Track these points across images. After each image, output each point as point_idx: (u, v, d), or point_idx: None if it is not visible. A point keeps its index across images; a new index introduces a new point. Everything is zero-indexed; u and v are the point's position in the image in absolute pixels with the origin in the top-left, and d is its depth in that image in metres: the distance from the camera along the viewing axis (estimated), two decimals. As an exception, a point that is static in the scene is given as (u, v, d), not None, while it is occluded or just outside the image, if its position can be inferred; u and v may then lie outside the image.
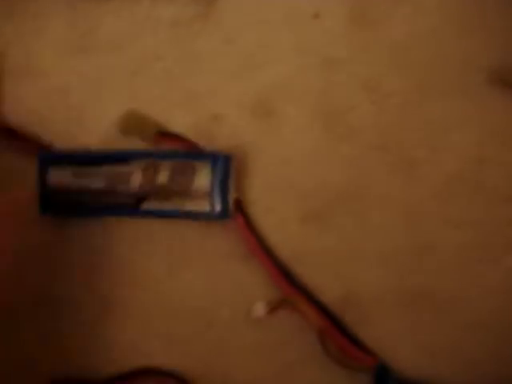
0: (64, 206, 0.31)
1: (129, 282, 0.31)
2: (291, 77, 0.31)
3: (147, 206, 0.30)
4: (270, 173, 0.31)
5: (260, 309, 0.30)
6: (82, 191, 0.31)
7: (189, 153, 0.30)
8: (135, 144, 0.31)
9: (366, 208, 0.31)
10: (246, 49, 0.31)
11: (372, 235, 0.30)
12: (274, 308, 0.30)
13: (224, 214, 0.30)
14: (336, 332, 0.29)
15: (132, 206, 0.30)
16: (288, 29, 0.31)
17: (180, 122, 0.31)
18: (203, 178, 0.29)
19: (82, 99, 0.32)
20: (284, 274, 0.30)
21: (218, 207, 0.29)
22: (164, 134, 0.31)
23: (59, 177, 0.31)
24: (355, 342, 0.30)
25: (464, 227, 0.30)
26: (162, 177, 0.30)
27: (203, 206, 0.29)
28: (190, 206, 0.29)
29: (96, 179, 0.30)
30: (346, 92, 0.31)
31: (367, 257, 0.30)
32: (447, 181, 0.30)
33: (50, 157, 0.31)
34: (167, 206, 0.30)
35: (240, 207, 0.30)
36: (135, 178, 0.30)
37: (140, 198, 0.30)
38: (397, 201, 0.30)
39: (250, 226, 0.30)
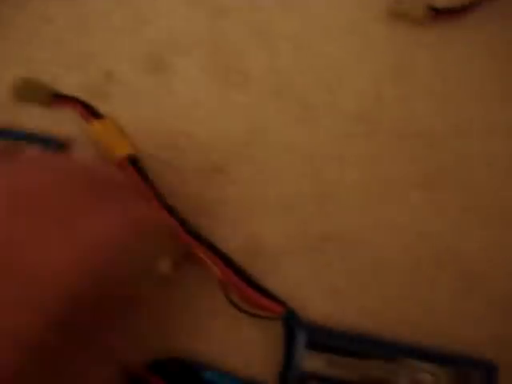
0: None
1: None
2: (181, 29, 0.31)
3: None
4: (166, 127, 0.30)
5: (165, 265, 0.29)
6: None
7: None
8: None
9: (266, 156, 0.30)
10: (133, 5, 0.31)
11: (273, 183, 0.30)
12: (178, 263, 0.29)
13: None
14: (239, 282, 0.28)
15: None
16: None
17: (74, 82, 0.31)
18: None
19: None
20: (184, 227, 0.29)
21: None
22: (59, 97, 0.31)
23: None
24: (261, 290, 0.29)
25: (366, 167, 0.30)
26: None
27: None
28: None
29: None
30: (236, 40, 0.30)
31: (270, 205, 0.30)
32: (346, 122, 0.30)
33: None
34: None
35: (135, 163, 0.30)
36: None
37: None
38: (296, 146, 0.30)
39: (145, 182, 0.29)
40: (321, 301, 0.29)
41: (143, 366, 0.29)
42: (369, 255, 0.29)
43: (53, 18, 0.31)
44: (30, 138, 0.30)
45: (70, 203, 0.22)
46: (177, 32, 0.30)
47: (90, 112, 0.30)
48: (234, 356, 0.29)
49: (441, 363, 0.28)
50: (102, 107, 0.30)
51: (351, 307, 0.29)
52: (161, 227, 0.26)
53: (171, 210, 0.29)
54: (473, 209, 0.29)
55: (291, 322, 0.28)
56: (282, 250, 0.29)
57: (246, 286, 0.28)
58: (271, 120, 0.30)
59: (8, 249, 0.21)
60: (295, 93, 0.30)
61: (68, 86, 0.31)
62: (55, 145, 0.30)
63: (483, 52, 0.30)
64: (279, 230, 0.29)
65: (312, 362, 0.28)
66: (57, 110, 0.31)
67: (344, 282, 0.29)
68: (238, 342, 0.29)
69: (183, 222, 0.29)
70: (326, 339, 0.28)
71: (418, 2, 0.29)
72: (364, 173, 0.30)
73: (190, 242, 0.29)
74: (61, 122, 0.31)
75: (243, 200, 0.30)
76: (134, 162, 0.30)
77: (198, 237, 0.29)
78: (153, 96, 0.30)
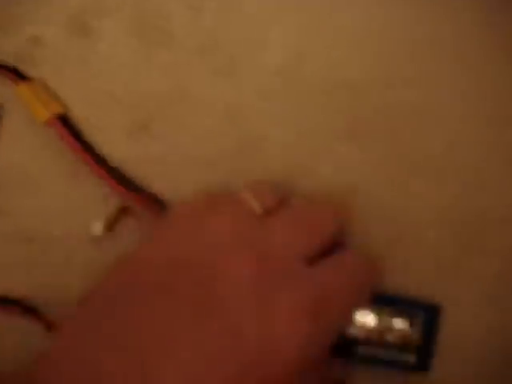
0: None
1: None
2: (104, -9, 0.31)
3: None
4: (92, 89, 0.31)
5: (98, 227, 0.30)
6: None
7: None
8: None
9: (191, 113, 0.30)
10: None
11: (197, 140, 0.30)
12: (112, 223, 0.29)
13: None
14: None
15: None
16: None
17: (1, 48, 0.31)
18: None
19: None
20: (120, 179, 0.29)
21: None
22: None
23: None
24: None
25: (290, 122, 0.30)
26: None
27: None
28: None
29: None
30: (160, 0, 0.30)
31: (196, 161, 0.30)
32: (270, 77, 0.30)
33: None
34: None
35: (66, 123, 0.30)
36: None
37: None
38: (221, 103, 0.30)
39: (76, 138, 0.29)
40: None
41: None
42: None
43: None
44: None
45: None
46: (100, -6, 0.31)
47: (19, 76, 0.30)
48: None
49: (382, 303, 0.28)
50: (30, 71, 0.31)
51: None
52: None
53: (102, 162, 0.30)
54: (399, 159, 0.29)
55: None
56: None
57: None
58: (195, 78, 0.30)
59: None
60: (219, 50, 0.30)
61: (-4, 52, 0.31)
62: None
63: None
64: (202, 187, 0.30)
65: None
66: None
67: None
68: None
69: (116, 173, 0.30)
70: None
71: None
72: (288, 127, 0.30)
73: (125, 193, 0.29)
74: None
75: (169, 157, 0.30)
76: (64, 120, 0.30)
77: (134, 187, 0.29)
78: (79, 59, 0.31)
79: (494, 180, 0.29)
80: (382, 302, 0.28)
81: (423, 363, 0.28)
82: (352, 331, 0.27)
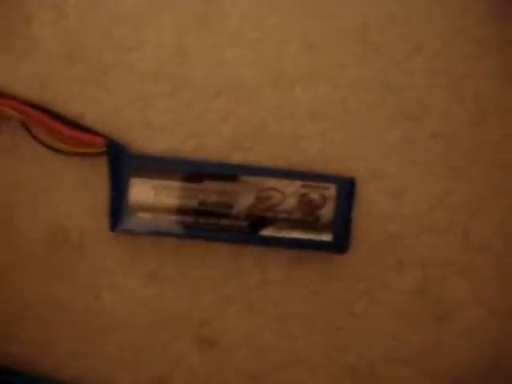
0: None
1: None
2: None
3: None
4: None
5: None
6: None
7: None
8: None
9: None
10: None
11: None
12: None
13: None
14: (44, 118, 0.26)
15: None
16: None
17: None
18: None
19: None
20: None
21: None
22: None
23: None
24: (76, 126, 0.26)
25: (173, 128, 0.27)
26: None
27: None
28: None
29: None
30: (20, 3, 0.27)
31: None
32: (146, 82, 0.27)
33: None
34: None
35: None
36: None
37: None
38: (94, 111, 0.27)
39: None
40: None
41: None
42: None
43: None
44: None
45: None
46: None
47: None
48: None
49: (289, 179, 0.25)
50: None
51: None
52: None
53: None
54: (299, 166, 0.26)
55: (115, 152, 0.26)
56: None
57: (59, 125, 0.26)
58: (64, 87, 0.27)
59: None
60: (88, 55, 0.27)
61: None
62: None
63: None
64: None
65: (142, 191, 0.25)
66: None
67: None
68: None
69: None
70: (154, 166, 0.26)
71: None
72: (172, 134, 0.27)
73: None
74: None
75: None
76: None
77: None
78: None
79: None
80: (288, 176, 0.25)
81: (339, 243, 0.25)
82: (259, 210, 0.25)
